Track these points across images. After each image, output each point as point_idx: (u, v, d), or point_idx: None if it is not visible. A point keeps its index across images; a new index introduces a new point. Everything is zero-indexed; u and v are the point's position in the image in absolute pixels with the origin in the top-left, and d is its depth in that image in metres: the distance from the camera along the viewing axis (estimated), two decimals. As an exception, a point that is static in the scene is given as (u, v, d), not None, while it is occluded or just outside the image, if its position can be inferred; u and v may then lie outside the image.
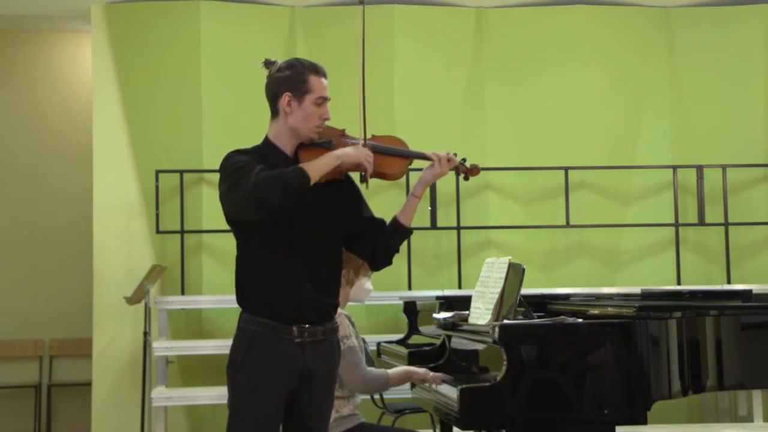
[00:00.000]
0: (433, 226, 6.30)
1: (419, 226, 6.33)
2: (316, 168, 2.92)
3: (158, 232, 6.16)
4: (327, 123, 3.08)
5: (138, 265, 6.04)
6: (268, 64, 3.07)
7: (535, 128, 6.57)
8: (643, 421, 3.45)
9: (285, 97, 3.00)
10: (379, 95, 6.37)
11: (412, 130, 5.49)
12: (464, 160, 3.27)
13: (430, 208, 6.29)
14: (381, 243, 3.10)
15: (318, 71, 3.06)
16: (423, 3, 6.56)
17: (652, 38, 6.71)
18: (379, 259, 3.15)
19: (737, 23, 6.72)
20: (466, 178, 3.32)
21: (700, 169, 6.49)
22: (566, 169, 6.38)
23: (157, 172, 6.15)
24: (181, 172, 6.13)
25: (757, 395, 5.85)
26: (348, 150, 2.98)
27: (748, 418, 5.91)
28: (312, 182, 2.89)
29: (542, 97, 6.59)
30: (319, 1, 6.51)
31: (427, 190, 6.14)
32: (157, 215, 6.15)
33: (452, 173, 3.29)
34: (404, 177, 6.27)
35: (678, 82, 6.69)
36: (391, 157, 3.10)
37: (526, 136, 6.57)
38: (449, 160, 3.14)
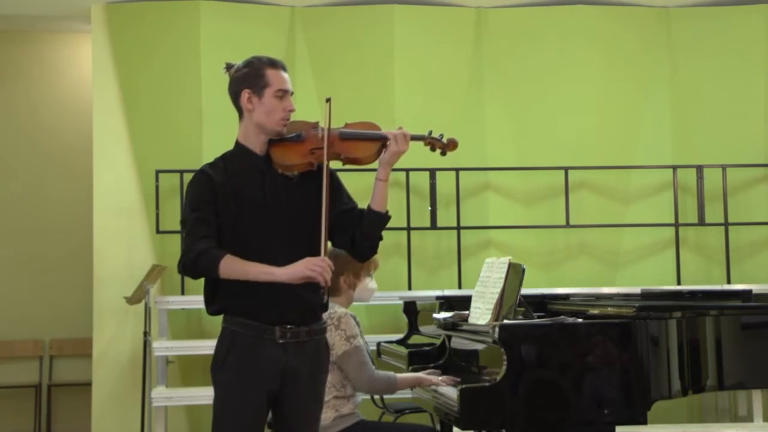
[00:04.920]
0: (433, 226, 6.30)
1: (419, 226, 6.34)
2: (239, 270, 2.88)
3: (158, 232, 6.16)
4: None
5: (138, 265, 6.04)
6: (228, 67, 3.08)
7: (535, 128, 6.57)
8: (643, 421, 3.45)
9: (245, 94, 3.01)
10: (379, 95, 6.37)
11: (412, 130, 5.45)
12: (441, 135, 3.23)
13: (430, 208, 6.29)
14: (359, 232, 3.06)
15: (275, 65, 3.05)
16: (423, 3, 6.56)
17: (652, 38, 6.71)
18: (360, 249, 3.11)
19: (737, 23, 6.72)
20: (443, 154, 3.24)
21: (700, 169, 6.48)
22: (566, 169, 6.38)
23: (157, 172, 6.14)
24: (181, 172, 6.12)
25: (757, 395, 5.83)
26: (291, 269, 2.87)
27: (748, 418, 5.90)
28: (222, 276, 2.88)
29: (542, 96, 6.59)
30: (319, 1, 6.51)
31: (427, 190, 6.23)
32: (157, 215, 6.14)
33: (423, 149, 3.27)
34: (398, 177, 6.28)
35: (678, 82, 6.70)
36: (361, 141, 3.07)
37: (526, 136, 6.57)
38: (404, 135, 3.06)
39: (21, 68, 7.55)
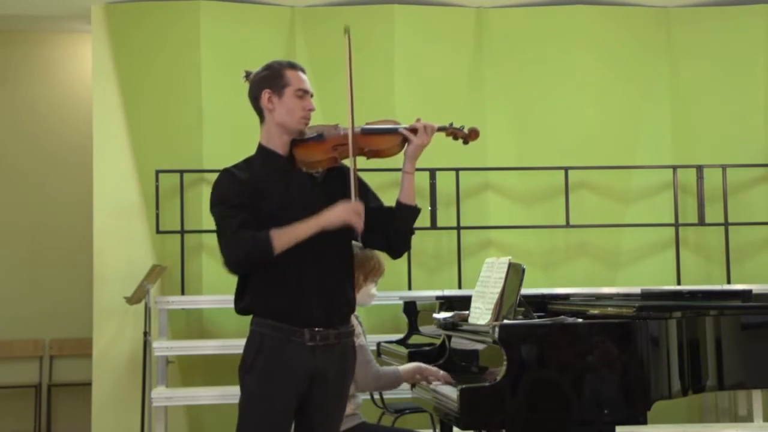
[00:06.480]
0: (433, 226, 6.30)
1: (419, 226, 6.30)
2: (290, 236, 2.90)
3: (158, 232, 6.16)
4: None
5: (138, 265, 6.04)
6: (247, 75, 3.11)
7: (535, 128, 6.57)
8: (643, 421, 3.45)
9: (265, 95, 3.02)
10: (379, 95, 6.37)
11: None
12: (462, 126, 3.28)
13: (430, 208, 6.29)
14: (392, 229, 3.09)
15: (294, 66, 3.08)
16: (423, 3, 6.56)
17: (652, 38, 6.71)
18: (395, 245, 3.15)
19: (737, 23, 6.72)
20: (465, 143, 3.33)
21: (700, 169, 6.48)
22: (566, 169, 6.38)
23: (157, 172, 6.14)
24: (181, 172, 6.13)
25: (757, 395, 5.84)
26: (331, 213, 2.94)
27: (748, 418, 5.91)
28: (277, 252, 2.88)
29: (542, 97, 6.59)
30: (319, 1, 6.51)
31: (427, 190, 6.23)
32: (157, 215, 6.15)
33: (446, 140, 3.35)
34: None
35: (678, 82, 6.70)
36: (384, 135, 3.11)
37: (526, 136, 6.57)
38: (428, 127, 3.12)
39: (21, 68, 7.55)
